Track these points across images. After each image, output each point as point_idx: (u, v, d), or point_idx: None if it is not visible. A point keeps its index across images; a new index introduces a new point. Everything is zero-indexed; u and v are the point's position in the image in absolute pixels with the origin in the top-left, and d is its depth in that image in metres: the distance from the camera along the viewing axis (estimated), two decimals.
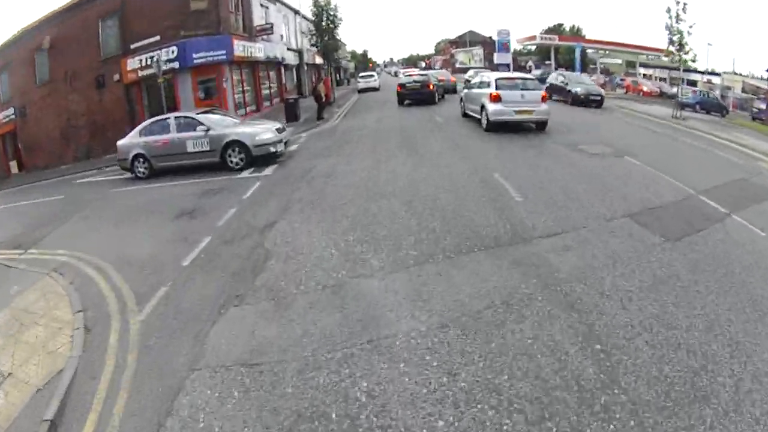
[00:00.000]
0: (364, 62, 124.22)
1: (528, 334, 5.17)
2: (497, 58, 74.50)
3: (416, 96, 26.97)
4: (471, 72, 42.62)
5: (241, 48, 24.51)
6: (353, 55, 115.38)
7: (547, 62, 77.62)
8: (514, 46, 79.78)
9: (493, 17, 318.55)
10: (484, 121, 17.73)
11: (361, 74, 52.28)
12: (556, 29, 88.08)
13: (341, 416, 4.27)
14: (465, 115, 20.98)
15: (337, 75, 71.28)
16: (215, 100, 23.76)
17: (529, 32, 76.91)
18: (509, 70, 70.68)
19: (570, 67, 75.32)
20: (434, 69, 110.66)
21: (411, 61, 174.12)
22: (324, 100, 24.35)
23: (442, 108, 25.55)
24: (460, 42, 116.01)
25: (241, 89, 26.28)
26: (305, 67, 39.10)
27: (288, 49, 34.60)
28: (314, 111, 25.48)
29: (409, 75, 29.39)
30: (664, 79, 60.31)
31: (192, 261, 8.04)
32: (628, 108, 28.32)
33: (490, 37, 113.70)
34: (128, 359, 5.56)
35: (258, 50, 26.97)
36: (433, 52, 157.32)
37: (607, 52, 74.00)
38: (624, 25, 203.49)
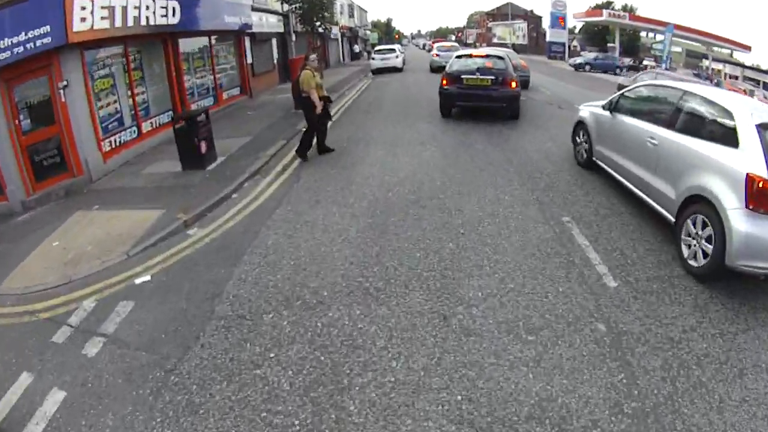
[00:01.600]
0: (388, 33, 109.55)
1: None
2: (550, 35, 60.01)
3: (482, 102, 13.51)
4: (643, 77, 20.11)
5: (101, 14, 10.90)
6: (375, 24, 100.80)
7: (610, 44, 62.88)
8: (570, 23, 64.27)
9: None
10: (696, 256, 5.52)
11: (376, 48, 37.63)
12: (605, 6, 72.93)
13: None
14: (589, 162, 9.14)
15: (352, 47, 57.09)
16: (54, 128, 10.37)
17: (572, 10, 61.86)
18: (563, 51, 56.75)
19: (624, 52, 61.59)
20: (475, 45, 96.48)
21: (440, 34, 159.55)
22: (323, 108, 10.68)
23: (527, 132, 12.26)
24: (498, 14, 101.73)
25: (128, 92, 12.86)
26: (293, 38, 25.24)
27: (256, 8, 20.77)
28: (254, 136, 12.73)
29: (468, 56, 14.63)
30: (736, 77, 48.70)
31: None
32: None
33: (532, 11, 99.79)
34: None
35: (163, 13, 13.34)
36: (465, 24, 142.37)
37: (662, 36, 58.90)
38: (679, 5, 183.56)
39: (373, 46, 74.82)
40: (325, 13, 19.16)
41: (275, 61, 24.29)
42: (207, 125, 10.64)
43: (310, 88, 10.27)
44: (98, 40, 11.11)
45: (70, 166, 10.52)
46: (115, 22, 11.42)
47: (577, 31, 79.35)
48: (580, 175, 8.90)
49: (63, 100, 10.32)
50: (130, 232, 7.25)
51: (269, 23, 22.05)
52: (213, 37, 17.44)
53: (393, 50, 33.93)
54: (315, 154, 10.91)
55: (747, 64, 55.14)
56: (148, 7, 12.69)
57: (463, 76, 13.35)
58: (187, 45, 15.87)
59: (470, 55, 14.59)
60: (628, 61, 53.41)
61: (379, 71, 31.37)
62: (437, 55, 31.23)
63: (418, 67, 36.33)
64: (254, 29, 20.21)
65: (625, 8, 68.47)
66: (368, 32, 79.05)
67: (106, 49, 11.94)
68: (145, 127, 13.47)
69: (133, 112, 13.02)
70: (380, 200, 7.95)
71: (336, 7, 45.43)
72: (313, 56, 10.85)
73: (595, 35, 71.89)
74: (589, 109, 9.38)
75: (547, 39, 60.71)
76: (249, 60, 20.33)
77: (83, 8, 10.33)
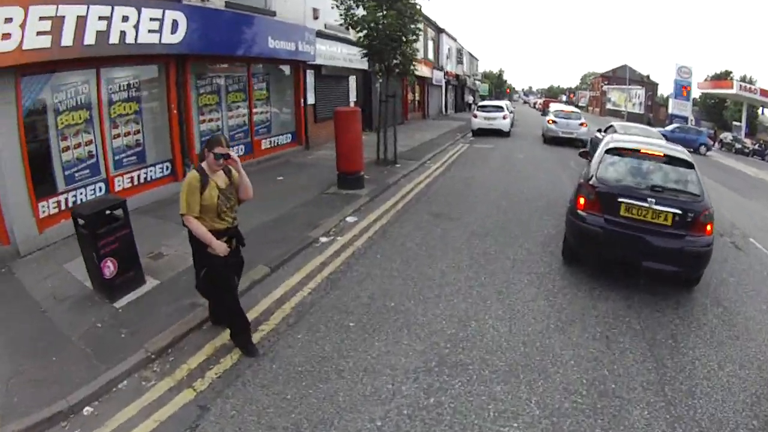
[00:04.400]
0: (499, 86, 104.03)
1: None
2: (673, 106, 51.07)
3: (648, 258, 6.08)
4: None
5: (37, 28, 6.72)
6: (486, 75, 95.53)
7: (735, 123, 53.60)
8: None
9: (646, 54, 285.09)
10: None
11: (481, 104, 29.41)
12: (724, 77, 63.55)
13: None
14: None
15: (457, 96, 51.83)
16: None
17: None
18: (689, 125, 47.68)
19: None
20: (587, 109, 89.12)
21: (551, 93, 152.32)
22: (230, 249, 4.55)
23: (724, 344, 5.36)
24: (614, 77, 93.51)
25: (103, 132, 8.39)
26: (379, 77, 19.70)
27: (326, 35, 15.79)
28: None
29: (633, 153, 6.85)
30: None
31: None
32: None
33: (648, 76, 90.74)
34: None
35: (153, 27, 8.57)
36: (578, 84, 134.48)
37: None
38: None
39: (482, 97, 69.36)
40: (406, 50, 13.04)
41: (351, 105, 19.24)
42: (124, 230, 5.56)
43: (189, 210, 4.24)
44: (44, 63, 6.96)
45: None
46: (62, 40, 7.03)
47: (699, 102, 70.13)
48: None
49: None
50: None
51: (346, 56, 16.80)
52: (255, 67, 12.63)
53: (500, 108, 26.03)
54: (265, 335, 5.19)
55: None
56: (126, 19, 7.97)
57: (621, 200, 6.26)
58: (205, 74, 11.15)
59: (638, 153, 6.89)
60: (750, 143, 42.94)
61: (480, 132, 24.84)
62: (553, 121, 23.43)
63: (528, 131, 29.23)
64: (320, 61, 15.11)
65: (743, 79, 58.82)
66: (478, 82, 73.67)
67: (68, 73, 7.74)
68: (121, 183, 8.81)
69: (104, 159, 8.62)
70: None
71: (443, 50, 40.37)
72: (218, 150, 4.27)
73: (712, 109, 62.72)
74: None
75: (669, 111, 51.71)
76: (310, 100, 15.26)
77: (7, 20, 6.15)
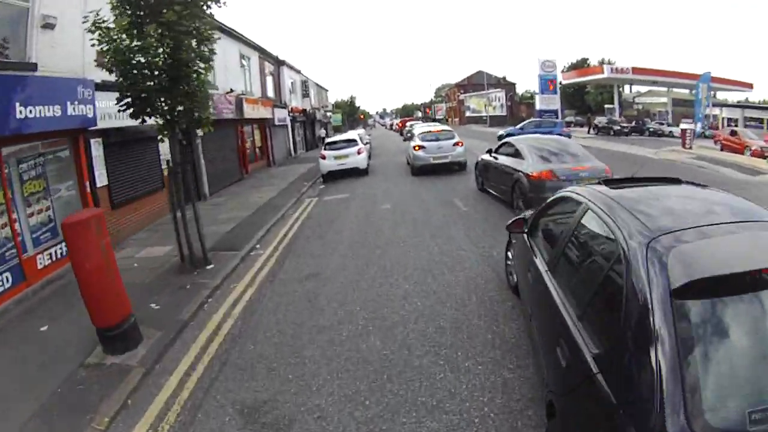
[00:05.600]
0: (352, 113, 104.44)
1: None
2: (540, 102, 53.73)
3: None
4: None
5: None
6: (337, 105, 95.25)
7: (607, 106, 57.65)
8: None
9: (499, 57, 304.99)
10: None
11: (327, 141, 24.65)
12: (581, 65, 69.25)
13: None
14: None
15: (307, 133, 49.96)
16: None
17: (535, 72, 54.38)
18: (557, 118, 48.51)
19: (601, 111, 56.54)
20: (446, 120, 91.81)
21: (407, 111, 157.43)
22: None
23: None
24: (469, 85, 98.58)
25: None
26: (199, 131, 17.12)
27: (108, 87, 12.77)
28: None
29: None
30: (735, 121, 46.44)
31: None
32: None
33: (504, 78, 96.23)
34: None
35: None
36: (432, 98, 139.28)
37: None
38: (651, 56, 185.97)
39: (336, 129, 68.29)
40: (193, 88, 9.15)
41: (164, 173, 15.81)
42: None
43: None
44: None
45: None
46: None
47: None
48: None
49: None
50: None
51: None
52: (9, 149, 9.43)
53: (353, 142, 23.18)
54: None
55: (729, 102, 52.23)
56: None
57: None
58: None
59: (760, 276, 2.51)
60: (622, 122, 45.76)
61: (332, 176, 22.39)
62: (421, 147, 20.92)
63: (390, 160, 28.09)
64: (107, 124, 12.18)
65: (602, 62, 63.67)
66: (329, 113, 72.62)
67: None
68: None
69: None
70: None
71: (285, 85, 38.41)
72: None
73: (572, 97, 67.01)
74: None
75: (537, 107, 54.28)
76: (101, 181, 12.17)
77: None
